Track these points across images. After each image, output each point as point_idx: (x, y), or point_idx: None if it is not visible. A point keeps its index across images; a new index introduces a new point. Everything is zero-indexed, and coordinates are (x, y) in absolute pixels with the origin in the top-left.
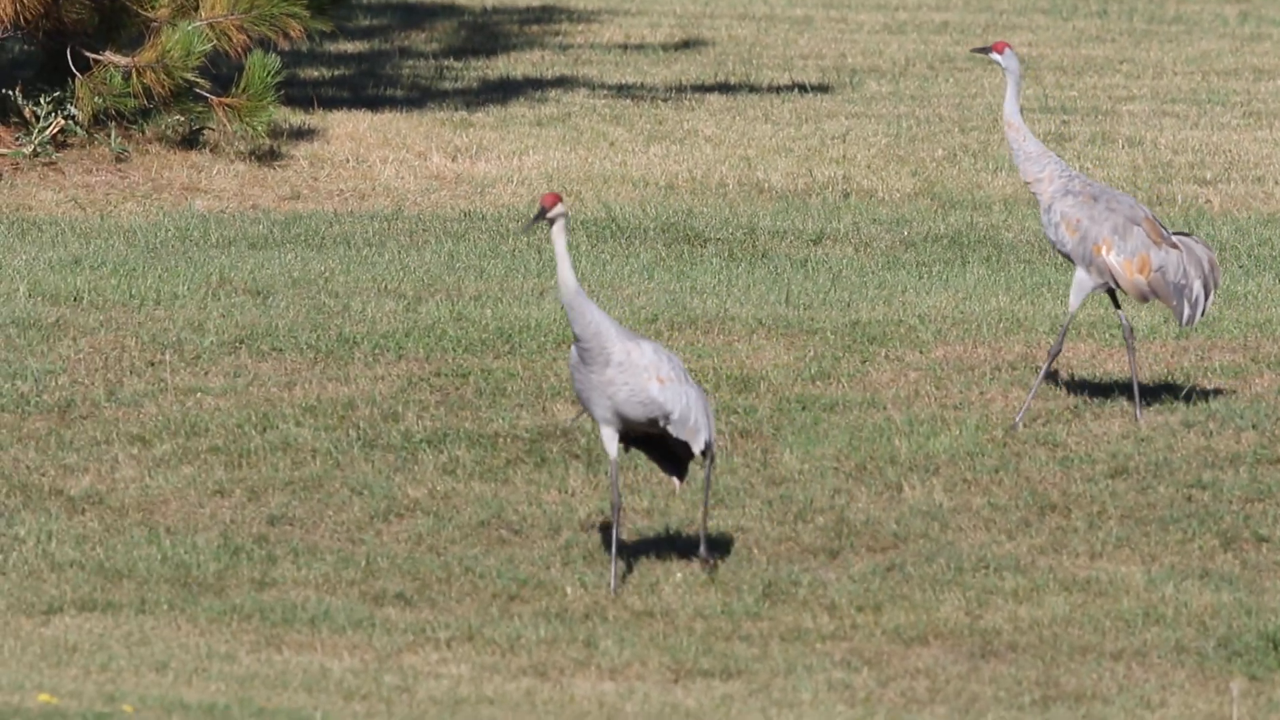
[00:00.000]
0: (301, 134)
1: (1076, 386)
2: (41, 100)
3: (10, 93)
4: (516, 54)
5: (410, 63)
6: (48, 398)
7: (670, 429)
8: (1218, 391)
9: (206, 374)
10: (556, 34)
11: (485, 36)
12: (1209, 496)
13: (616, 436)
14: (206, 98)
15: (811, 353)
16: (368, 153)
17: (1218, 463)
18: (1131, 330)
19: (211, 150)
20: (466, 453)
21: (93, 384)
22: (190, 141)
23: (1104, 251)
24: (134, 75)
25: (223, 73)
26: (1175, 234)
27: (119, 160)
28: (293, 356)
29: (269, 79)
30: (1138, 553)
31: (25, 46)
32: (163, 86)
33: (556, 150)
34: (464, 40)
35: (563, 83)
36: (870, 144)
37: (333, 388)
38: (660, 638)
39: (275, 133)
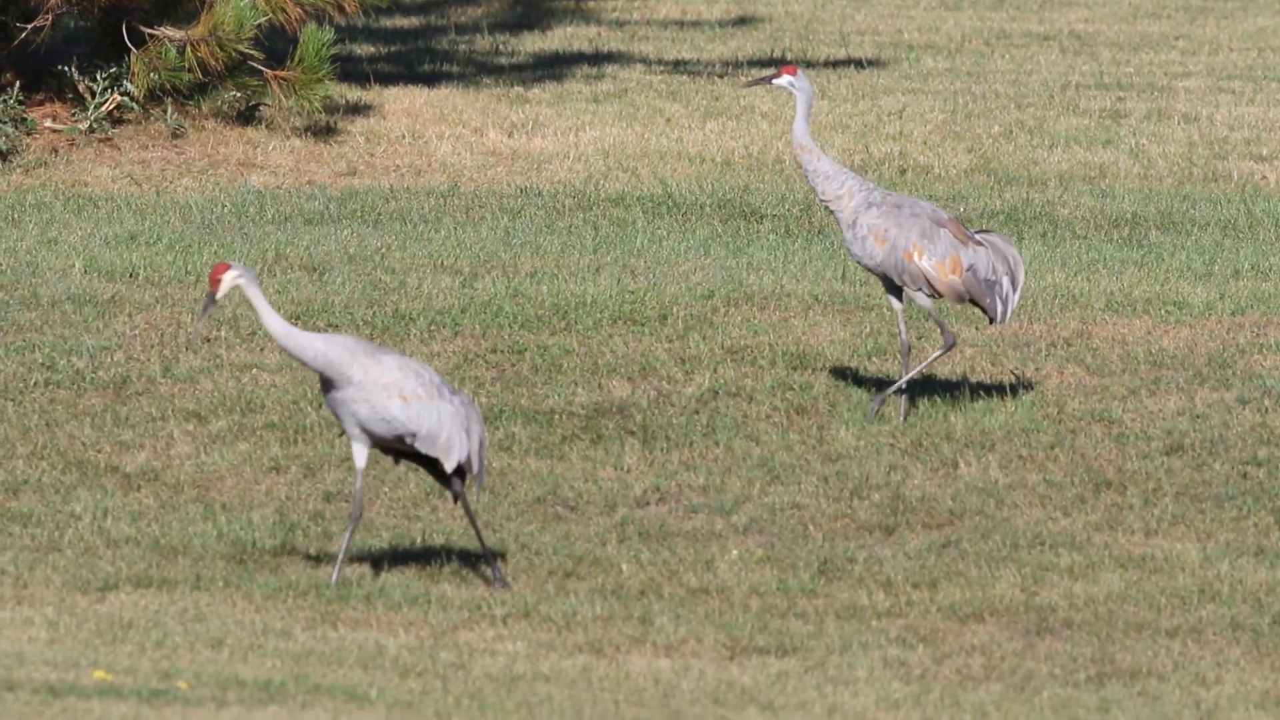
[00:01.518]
0: (358, 110)
1: (1131, 363)
2: (97, 76)
3: (66, 69)
4: (572, 29)
5: (466, 38)
6: (103, 374)
7: (418, 445)
8: (1274, 369)
9: (262, 350)
10: (613, 10)
11: (540, 12)
12: (1264, 474)
13: (365, 451)
14: (261, 71)
15: (867, 329)
16: (424, 128)
17: (1273, 439)
18: (910, 348)
19: (267, 126)
20: (522, 429)
21: (148, 360)
22: (246, 117)
23: (916, 257)
24: (188, 49)
25: (278, 47)
26: (978, 232)
27: (175, 136)
28: (348, 332)
29: (323, 52)
30: (1193, 530)
31: (81, 22)
32: (216, 60)
33: (613, 126)
34: (519, 16)
35: (619, 59)
36: (926, 120)
37: None
38: (716, 615)
39: (331, 109)
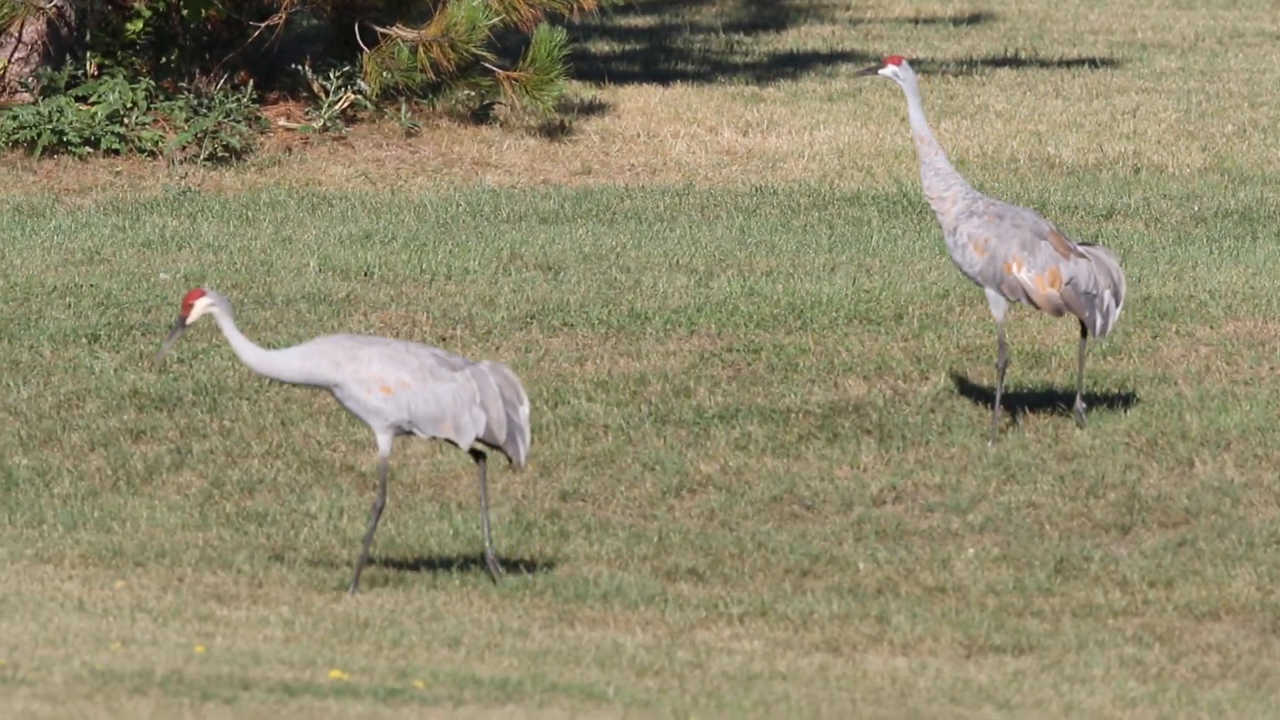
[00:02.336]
0: (592, 109)
1: None
2: (331, 75)
3: (300, 68)
4: (807, 28)
5: (700, 37)
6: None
7: (421, 432)
8: None
9: (497, 349)
10: (847, 8)
11: (775, 10)
12: None
13: (386, 439)
14: (494, 72)
15: None
16: (659, 127)
17: None
18: (1007, 362)
19: (502, 125)
20: (758, 428)
21: None
22: (480, 116)
23: (1015, 269)
24: (420, 49)
25: (511, 46)
26: (1081, 244)
27: (409, 135)
28: (584, 332)
29: (555, 52)
30: None
31: (314, 21)
32: (448, 60)
33: (847, 125)
34: (754, 14)
35: (853, 57)
36: (1160, 119)
37: (624, 363)
38: (952, 613)
39: (565, 107)
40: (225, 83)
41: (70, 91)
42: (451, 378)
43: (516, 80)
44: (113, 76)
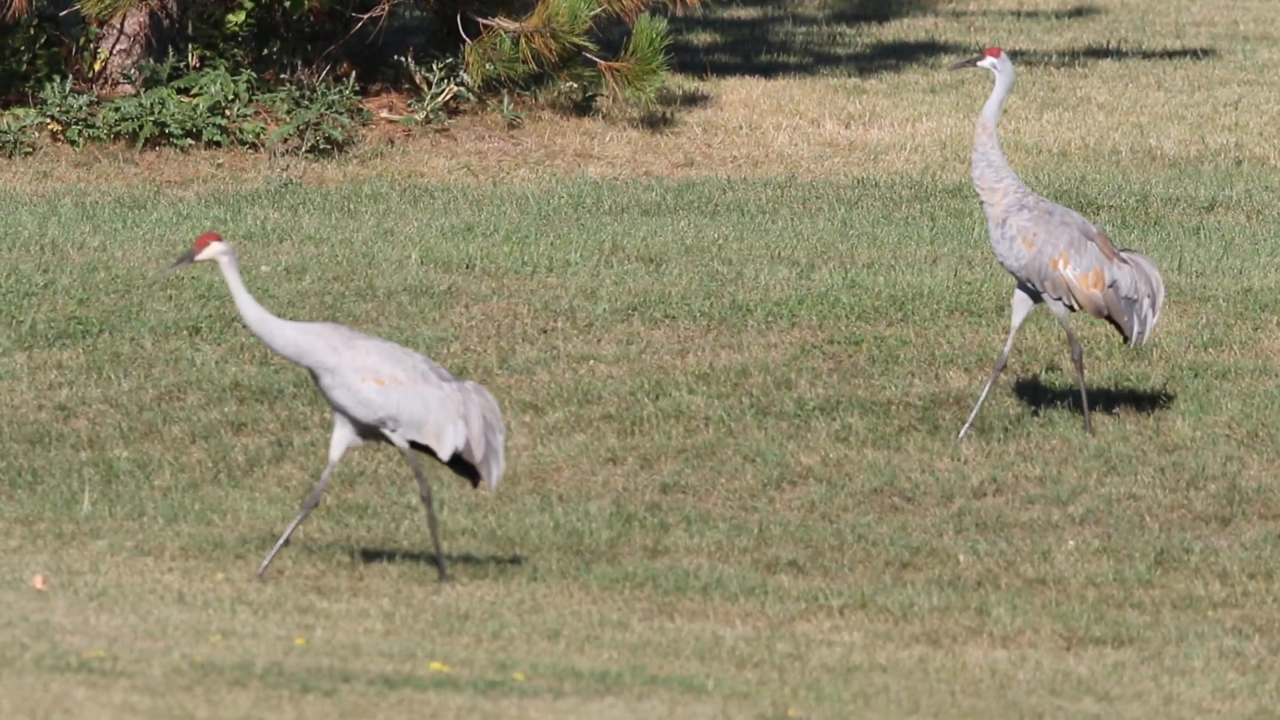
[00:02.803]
0: (694, 100)
1: None
2: (433, 67)
3: (402, 59)
4: (909, 20)
5: (803, 28)
6: (440, 365)
7: (403, 432)
8: None
9: (599, 341)
10: (950, 0)
11: (878, 2)
12: None
13: (343, 441)
14: (596, 63)
15: (1204, 320)
16: (761, 119)
17: None
18: (1082, 353)
19: (604, 117)
20: (859, 420)
21: (485, 351)
22: (582, 108)
23: (1061, 265)
24: (522, 40)
25: (613, 38)
26: (1123, 250)
27: (511, 127)
28: (685, 324)
29: (657, 43)
30: None
31: (416, 13)
32: (550, 51)
33: (949, 117)
34: (856, 6)
35: (955, 49)
36: (1262, 111)
37: (726, 355)
38: (1052, 605)
39: (667, 99)
40: (327, 75)
41: (172, 83)
42: (440, 386)
43: (618, 71)
44: (214, 68)
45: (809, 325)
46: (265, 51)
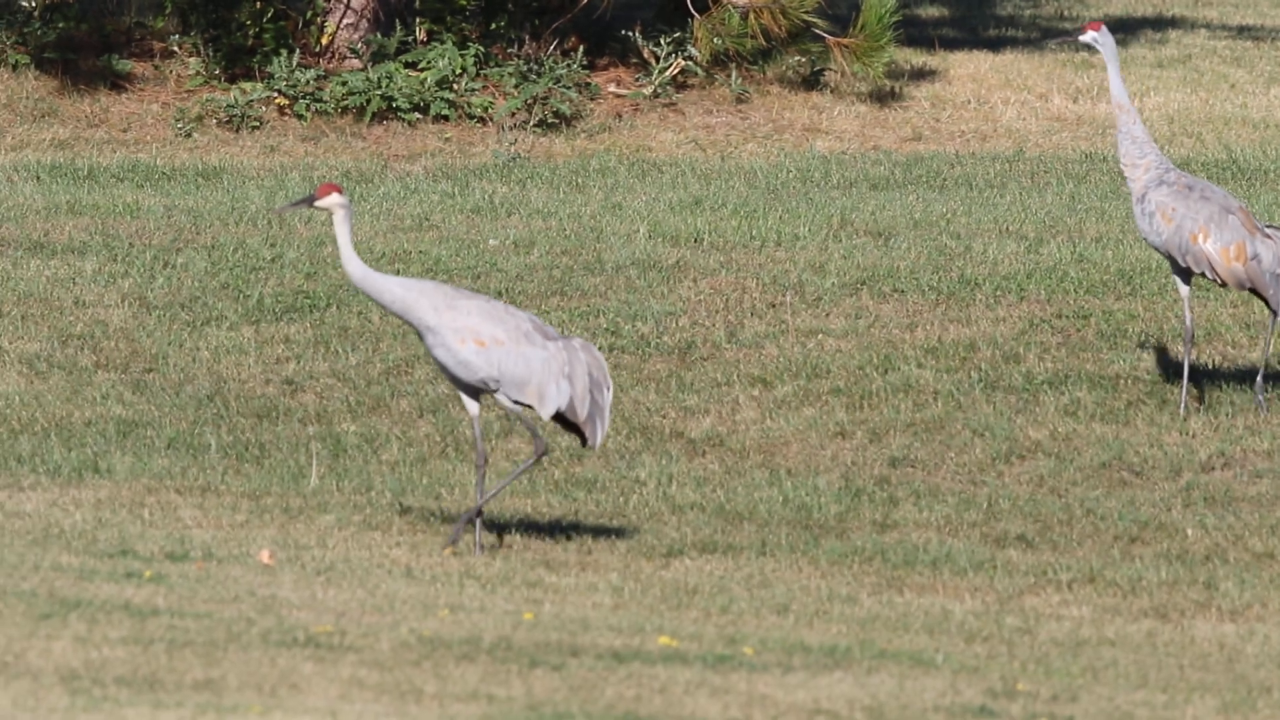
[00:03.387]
0: (922, 75)
1: None
2: (661, 41)
3: (630, 34)
4: None
5: (1030, 3)
6: (668, 339)
7: (506, 391)
8: None
9: (827, 315)
10: None
11: None
12: None
13: (472, 402)
14: (824, 38)
15: None
16: (989, 94)
17: None
18: (1193, 335)
19: (832, 91)
20: (1087, 394)
21: (713, 325)
22: (810, 83)
23: (1201, 239)
24: (750, 15)
25: (840, 13)
26: (1269, 226)
27: (739, 101)
28: (914, 298)
29: (886, 19)
30: None
31: None
32: (779, 27)
33: (1176, 92)
34: None
35: (1183, 24)
36: None
37: (954, 329)
38: None
39: (895, 74)
40: (555, 49)
41: (400, 58)
42: (544, 345)
43: (846, 47)
44: (442, 43)
45: (1037, 300)
46: (493, 25)
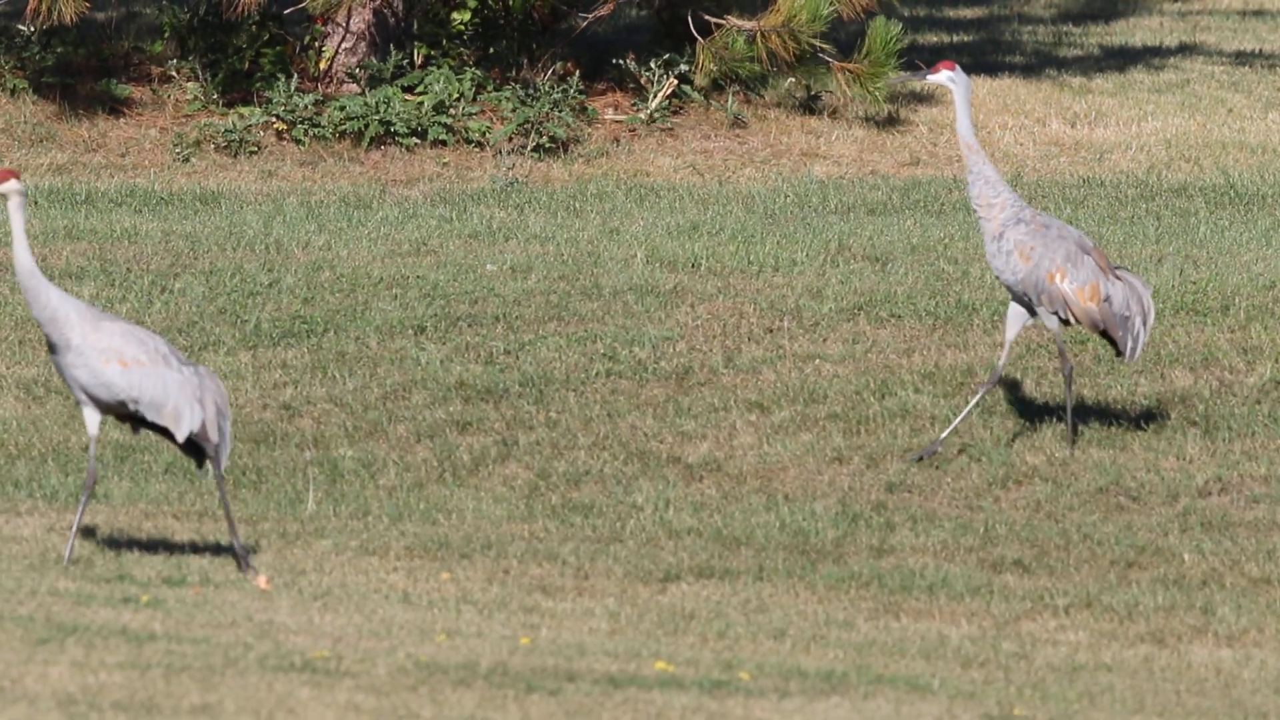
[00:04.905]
0: (920, 99)
1: None
2: (653, 65)
3: (622, 62)
4: (1136, 20)
5: (1029, 28)
6: (665, 364)
7: (144, 412)
8: None
9: (825, 340)
10: (1176, 0)
11: (1105, 2)
12: None
13: (95, 417)
14: (828, 62)
15: None
16: (987, 118)
17: None
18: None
19: (830, 116)
20: (1084, 419)
21: (711, 350)
22: (808, 107)
23: (1058, 279)
24: (758, 39)
25: (841, 38)
26: (1116, 268)
27: (736, 126)
28: (911, 323)
29: (891, 45)
30: None
31: (639, 12)
32: (787, 51)
33: (1175, 117)
34: (1084, 6)
35: (1181, 49)
36: None
37: (951, 354)
38: (1277, 605)
39: (894, 98)
40: (552, 74)
41: (397, 82)
42: (180, 369)
43: (850, 71)
44: (439, 67)
45: (1033, 324)
46: (490, 50)
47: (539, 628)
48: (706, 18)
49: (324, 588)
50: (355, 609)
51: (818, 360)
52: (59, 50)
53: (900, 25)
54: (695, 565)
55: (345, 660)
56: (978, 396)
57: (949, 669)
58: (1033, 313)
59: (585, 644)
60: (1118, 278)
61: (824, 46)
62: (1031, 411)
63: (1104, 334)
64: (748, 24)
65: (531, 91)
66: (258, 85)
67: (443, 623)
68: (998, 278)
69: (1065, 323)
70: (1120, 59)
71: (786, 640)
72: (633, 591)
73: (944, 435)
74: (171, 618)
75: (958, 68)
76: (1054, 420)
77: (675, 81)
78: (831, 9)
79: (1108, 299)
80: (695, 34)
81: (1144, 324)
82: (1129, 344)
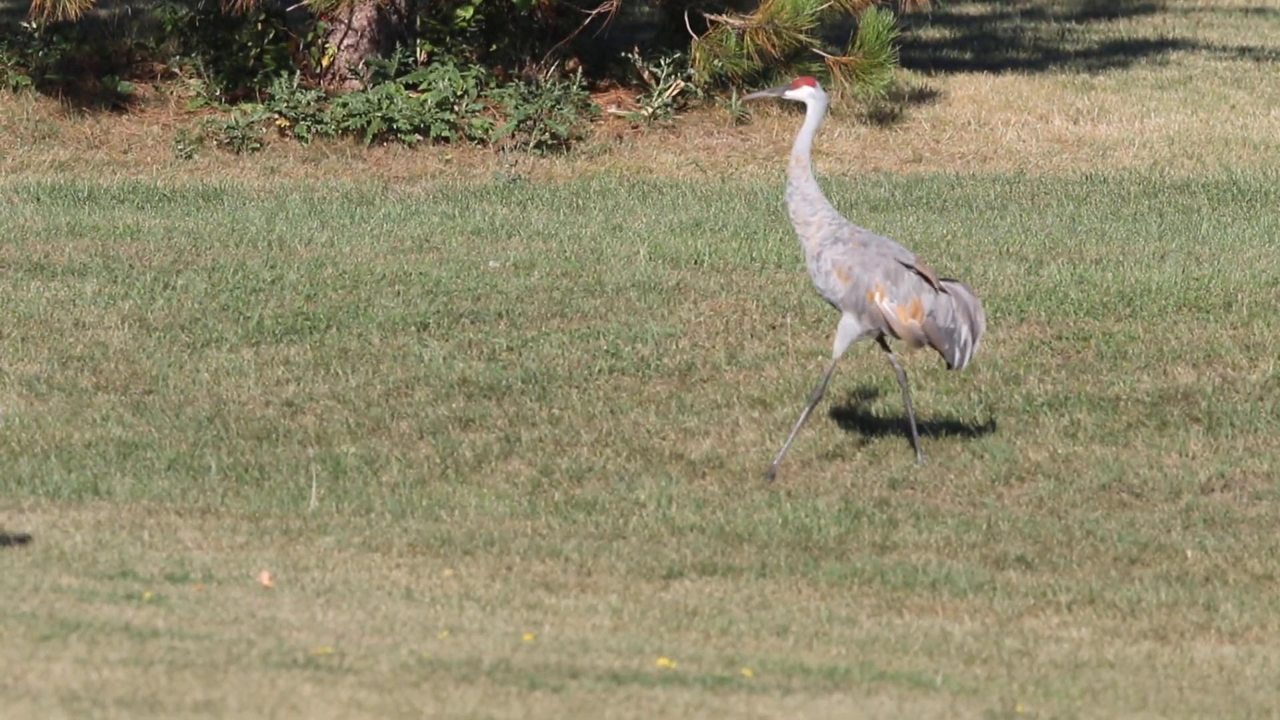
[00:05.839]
0: (923, 96)
1: None
2: (661, 63)
3: (630, 56)
4: (1139, 16)
5: (1033, 25)
6: (668, 361)
7: None
8: None
9: (828, 337)
10: None
11: None
12: None
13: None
14: (822, 57)
15: None
16: (989, 115)
17: None
18: (905, 374)
19: (832, 113)
20: (1087, 416)
21: (713, 347)
22: None
23: (877, 298)
24: (746, 36)
25: (839, 33)
26: (942, 279)
27: (739, 122)
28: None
29: (884, 36)
30: None
31: (644, 8)
32: (774, 47)
33: (1177, 113)
34: (1086, 2)
35: (1184, 45)
36: None
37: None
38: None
39: (896, 95)
40: (555, 71)
41: (400, 79)
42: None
43: (845, 65)
44: (442, 64)
45: (1037, 321)
46: (493, 47)
47: (542, 624)
48: (703, 15)
49: (327, 584)
50: (358, 606)
51: (820, 357)
52: (62, 47)
53: (891, 16)
54: (698, 562)
55: (348, 657)
56: (803, 415)
57: (952, 665)
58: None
59: (588, 640)
60: (943, 289)
61: (815, 42)
62: (1033, 407)
63: (932, 347)
64: (738, 21)
65: (534, 88)
66: (260, 82)
67: (445, 619)
68: (821, 296)
69: (885, 337)
70: (1123, 55)
71: (789, 637)
72: (635, 588)
73: (783, 450)
74: (174, 614)
75: (818, 85)
76: (1057, 415)
77: (683, 83)
78: (821, 5)
79: (931, 314)
80: (691, 32)
81: (973, 333)
82: (956, 355)
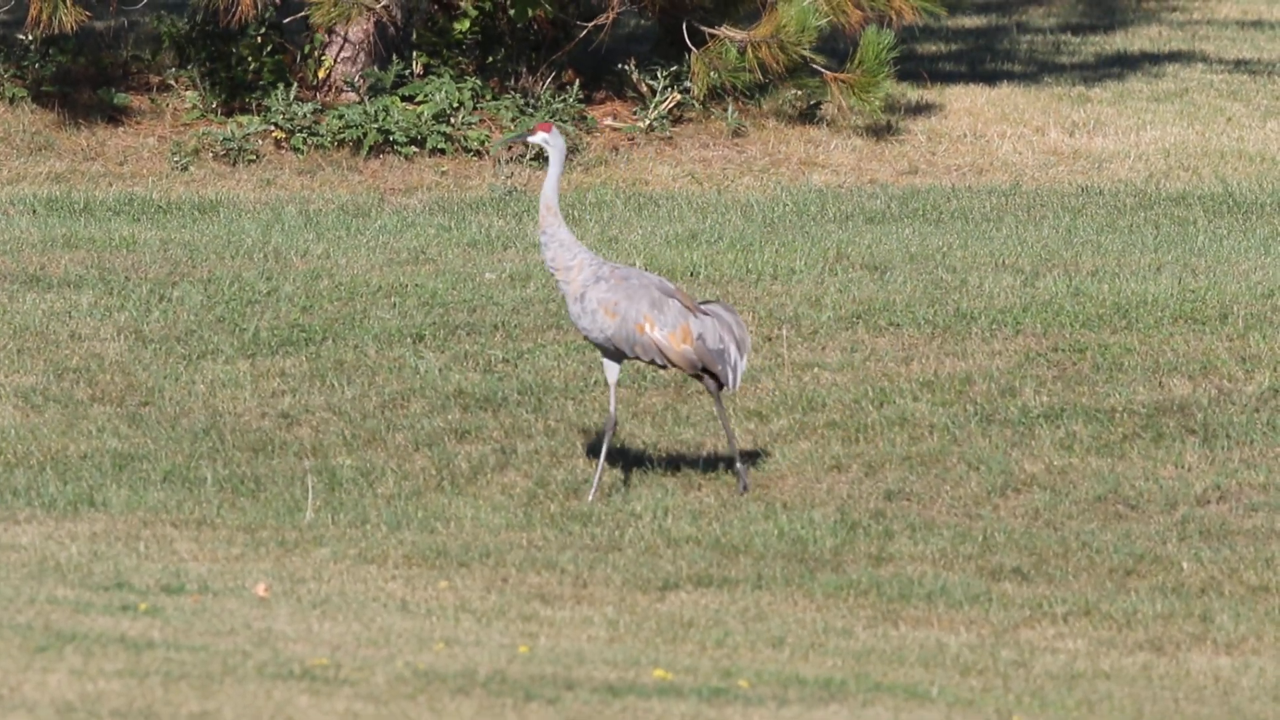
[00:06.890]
0: (919, 109)
1: None
2: (657, 75)
3: (626, 68)
4: (1134, 29)
5: (1028, 37)
6: (665, 373)
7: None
8: None
9: (823, 349)
10: (1174, 9)
11: (1103, 11)
12: None
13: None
14: (821, 73)
15: None
16: (985, 128)
17: None
18: (720, 385)
19: (828, 125)
20: (1083, 428)
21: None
22: (806, 116)
23: (647, 328)
24: (749, 50)
25: (839, 48)
26: (701, 303)
27: (736, 135)
28: (910, 331)
29: (883, 55)
30: None
31: (640, 21)
32: (777, 62)
33: (1173, 126)
34: (1082, 15)
35: (1180, 58)
36: None
37: (950, 363)
38: (1276, 613)
39: (892, 108)
40: (551, 83)
41: (396, 91)
42: None
43: (844, 82)
44: (439, 76)
45: (1033, 333)
46: (490, 59)
47: (537, 636)
48: (701, 28)
49: (322, 596)
50: (354, 617)
51: (816, 369)
52: (58, 59)
53: (891, 35)
54: (694, 573)
55: (344, 668)
56: (605, 443)
57: (948, 677)
58: (622, 358)
59: (584, 652)
60: (704, 313)
61: (815, 58)
62: (1029, 419)
63: (705, 370)
64: (739, 35)
65: (531, 100)
66: (256, 94)
67: (441, 631)
68: (586, 338)
69: (663, 368)
70: (1119, 68)
71: (785, 648)
72: (631, 600)
73: (595, 483)
74: (170, 625)
75: (554, 129)
76: (1053, 427)
77: (679, 96)
78: (822, 21)
79: (700, 337)
80: (690, 45)
81: (740, 351)
82: (729, 375)
